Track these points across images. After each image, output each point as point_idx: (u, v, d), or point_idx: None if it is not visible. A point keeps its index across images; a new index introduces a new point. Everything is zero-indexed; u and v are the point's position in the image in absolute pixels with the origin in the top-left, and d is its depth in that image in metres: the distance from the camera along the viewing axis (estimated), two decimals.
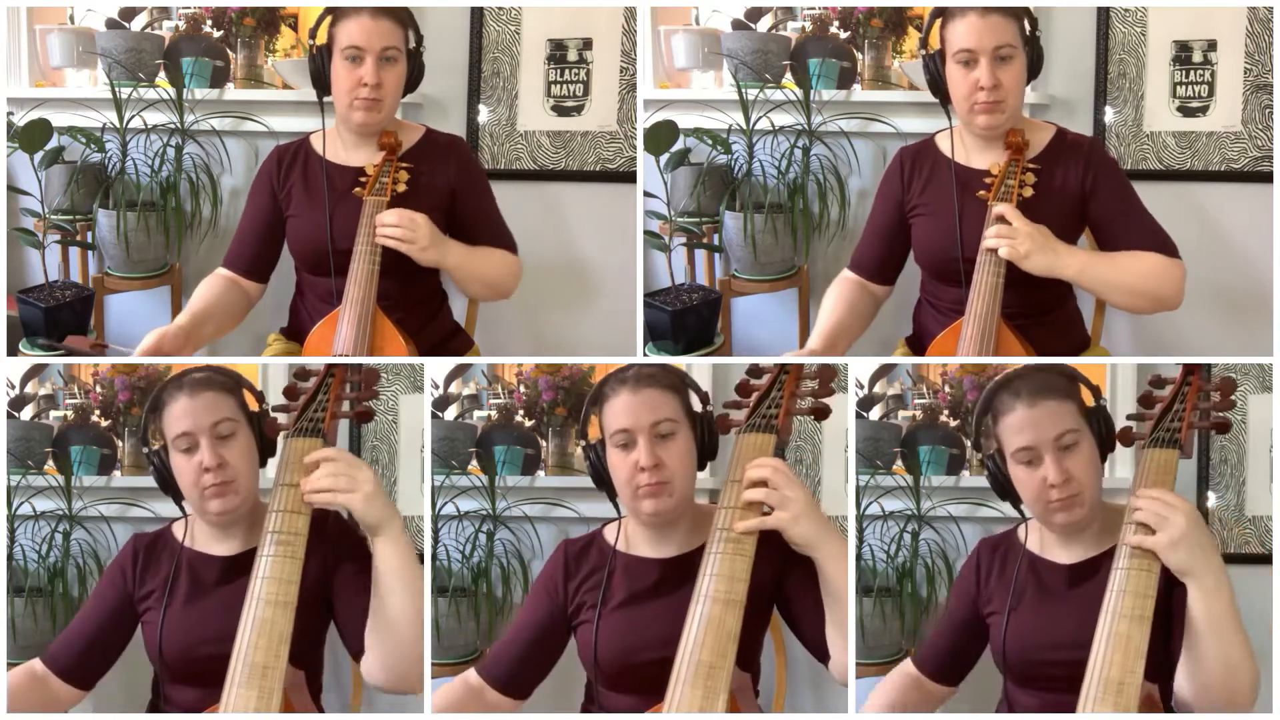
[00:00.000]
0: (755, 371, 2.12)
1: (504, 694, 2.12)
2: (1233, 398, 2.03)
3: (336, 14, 2.52)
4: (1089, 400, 2.04)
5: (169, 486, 2.13)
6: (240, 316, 2.69)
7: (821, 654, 2.01)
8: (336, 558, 2.08)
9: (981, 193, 2.41)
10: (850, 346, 2.60)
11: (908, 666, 2.24)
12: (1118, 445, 2.03)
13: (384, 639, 2.00)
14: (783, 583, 2.04)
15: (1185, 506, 1.88)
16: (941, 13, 2.43)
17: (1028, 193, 2.38)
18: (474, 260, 2.59)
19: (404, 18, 2.55)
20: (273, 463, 2.14)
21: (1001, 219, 2.34)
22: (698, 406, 2.08)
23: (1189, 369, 2.04)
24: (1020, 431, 1.98)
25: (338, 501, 2.00)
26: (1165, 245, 2.43)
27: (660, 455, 2.00)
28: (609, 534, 2.14)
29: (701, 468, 2.08)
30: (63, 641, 2.17)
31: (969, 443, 3.09)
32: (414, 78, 2.60)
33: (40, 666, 2.16)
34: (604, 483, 2.08)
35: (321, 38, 2.54)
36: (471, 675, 2.14)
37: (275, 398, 2.18)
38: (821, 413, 2.09)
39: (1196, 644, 1.86)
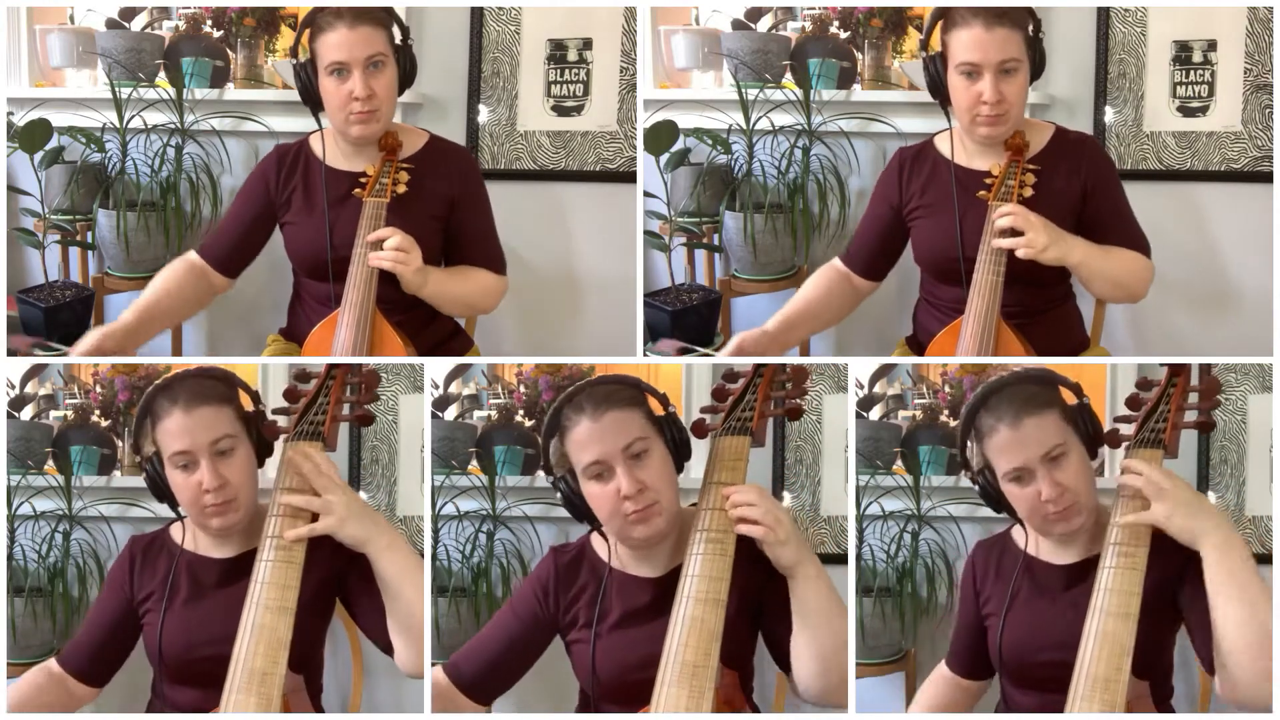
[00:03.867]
0: (730, 376, 2.13)
1: (468, 696, 2.08)
2: (1218, 397, 2.04)
3: (314, 28, 2.45)
4: (1070, 399, 2.02)
5: (163, 495, 2.10)
6: (197, 310, 2.66)
7: (785, 665, 2.00)
8: (341, 566, 2.07)
9: (982, 193, 2.41)
10: (812, 334, 2.62)
11: (942, 669, 2.23)
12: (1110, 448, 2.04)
13: (407, 638, 2.01)
14: (763, 597, 2.02)
15: (1177, 478, 1.91)
16: (944, 14, 2.41)
17: (1027, 193, 2.38)
18: (451, 286, 2.55)
19: (383, 18, 2.47)
20: (271, 463, 2.14)
21: (1011, 231, 2.32)
22: (659, 411, 2.03)
23: (1174, 370, 2.05)
24: (1007, 453, 1.97)
25: (315, 532, 2.00)
26: (1144, 245, 2.49)
27: (641, 478, 1.95)
28: (599, 546, 2.10)
29: (679, 470, 2.04)
30: (73, 647, 2.19)
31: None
32: (406, 75, 2.54)
33: (56, 667, 2.18)
34: (582, 514, 2.02)
35: (305, 53, 2.48)
36: (439, 673, 2.10)
37: (274, 399, 2.18)
38: (794, 412, 2.10)
39: (1216, 604, 1.84)
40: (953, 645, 2.23)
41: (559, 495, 2.02)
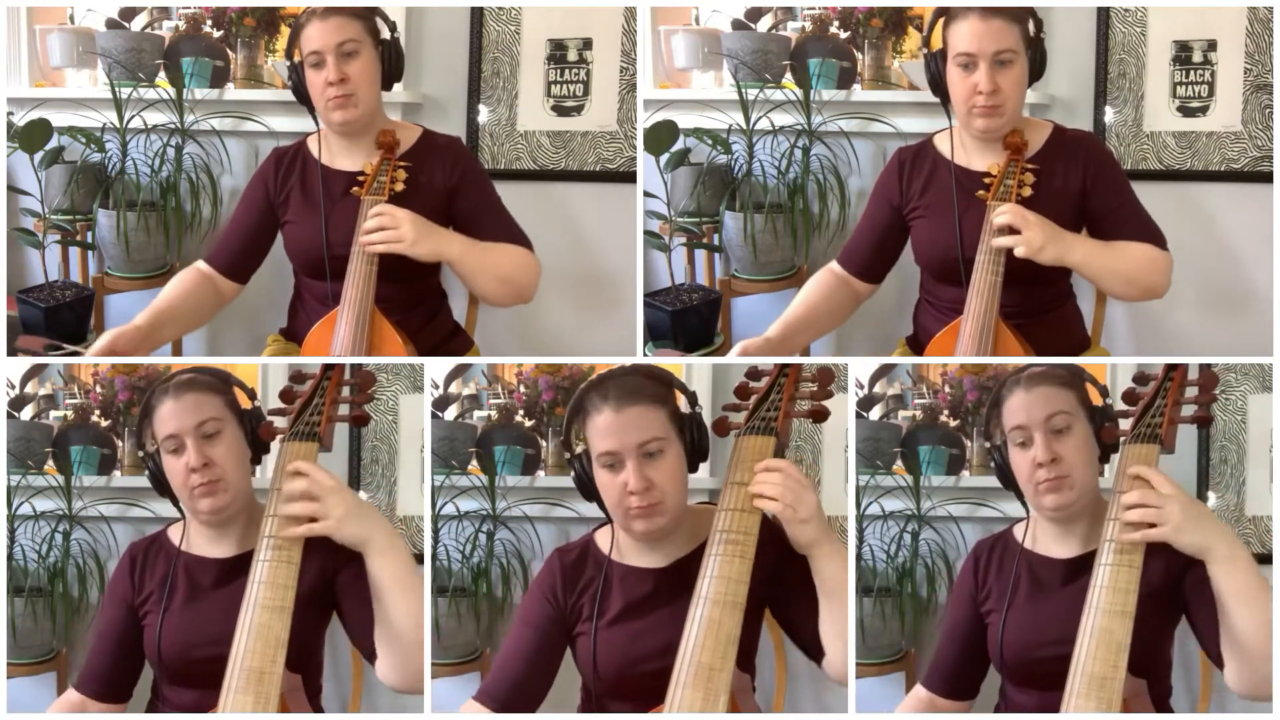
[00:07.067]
0: (754, 374, 2.11)
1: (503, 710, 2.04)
2: (1215, 392, 2.04)
3: (296, 27, 2.53)
4: (1097, 400, 2.05)
5: (164, 489, 2.13)
6: (208, 316, 2.67)
7: (817, 652, 2.00)
8: (335, 563, 2.07)
9: (981, 193, 2.41)
10: (814, 339, 2.63)
11: (919, 691, 2.20)
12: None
13: (392, 646, 1.99)
14: (778, 581, 2.02)
15: (1175, 490, 1.91)
16: (944, 12, 2.42)
17: (1026, 192, 2.38)
18: (480, 253, 2.53)
19: (360, 11, 2.53)
20: (269, 461, 2.14)
21: (1008, 229, 2.32)
22: (685, 408, 2.03)
23: (1171, 366, 2.05)
24: (1015, 413, 2.02)
25: (314, 532, 1.99)
26: (1157, 237, 2.47)
27: (650, 476, 1.95)
28: (601, 541, 2.09)
29: (693, 470, 2.04)
30: (88, 666, 2.18)
31: (970, 442, 3.09)
32: (392, 69, 2.57)
33: (76, 695, 2.17)
34: (592, 495, 2.03)
35: (296, 54, 2.55)
36: (475, 706, 2.06)
37: (273, 399, 2.18)
38: (820, 415, 2.08)
39: (1229, 618, 1.87)
40: (936, 661, 2.19)
41: (573, 474, 2.04)
